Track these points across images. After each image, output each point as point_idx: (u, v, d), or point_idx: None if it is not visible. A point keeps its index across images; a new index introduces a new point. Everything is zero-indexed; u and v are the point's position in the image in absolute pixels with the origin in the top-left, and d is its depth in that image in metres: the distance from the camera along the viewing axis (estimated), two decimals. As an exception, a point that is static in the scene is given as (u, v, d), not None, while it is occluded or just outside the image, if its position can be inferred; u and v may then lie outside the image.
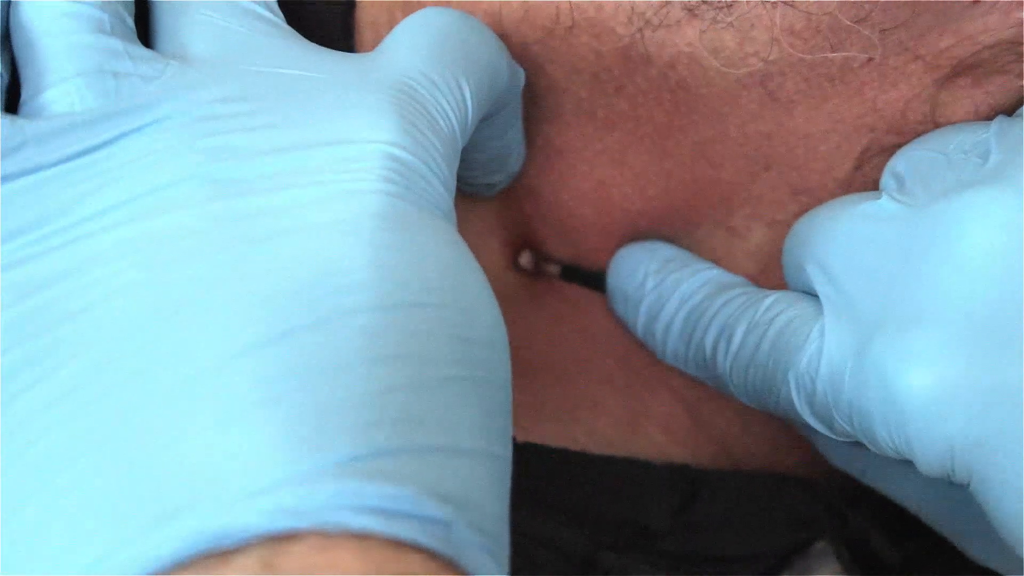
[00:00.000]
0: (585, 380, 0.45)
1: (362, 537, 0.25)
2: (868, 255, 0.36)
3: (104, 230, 0.29)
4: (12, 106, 0.32)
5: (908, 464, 0.37)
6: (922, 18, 0.36)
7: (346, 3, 0.42)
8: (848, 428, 0.36)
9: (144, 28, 0.34)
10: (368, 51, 0.36)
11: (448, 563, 0.26)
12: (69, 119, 0.30)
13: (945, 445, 0.33)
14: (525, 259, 0.45)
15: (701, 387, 0.44)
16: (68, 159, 0.30)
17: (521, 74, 0.39)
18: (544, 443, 0.43)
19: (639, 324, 0.42)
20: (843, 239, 0.37)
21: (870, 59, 0.37)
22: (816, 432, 0.39)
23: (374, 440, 0.26)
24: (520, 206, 0.44)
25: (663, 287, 0.42)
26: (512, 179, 0.42)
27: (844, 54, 0.37)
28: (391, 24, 0.40)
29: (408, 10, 0.40)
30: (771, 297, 0.39)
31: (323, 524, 0.25)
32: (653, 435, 0.45)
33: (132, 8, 0.33)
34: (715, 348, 0.39)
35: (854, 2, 0.36)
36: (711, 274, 0.41)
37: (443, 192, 0.32)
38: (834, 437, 0.37)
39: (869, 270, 0.36)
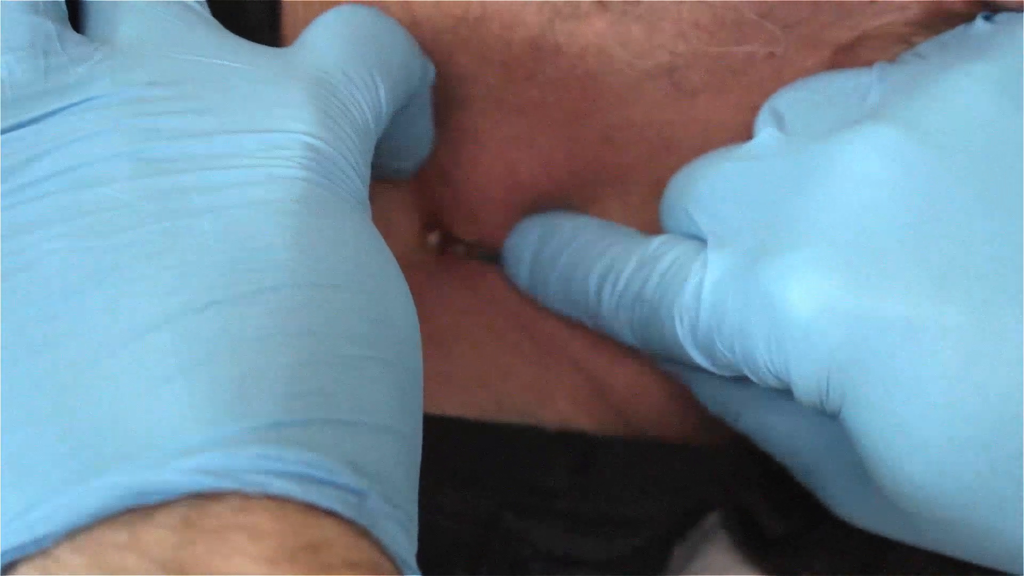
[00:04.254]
0: (496, 349, 0.46)
1: (280, 500, 0.26)
2: (749, 188, 0.37)
3: (34, 199, 0.30)
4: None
5: (783, 402, 0.39)
6: (823, 15, 0.38)
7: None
8: (730, 356, 0.37)
9: (75, 13, 0.35)
10: (292, 39, 0.37)
11: (361, 531, 0.27)
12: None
13: (822, 364, 0.34)
14: (433, 239, 0.46)
15: (598, 355, 0.45)
16: None
17: (431, 68, 0.40)
18: (453, 412, 0.45)
19: (524, 275, 0.44)
20: (723, 178, 0.38)
21: (771, 53, 0.38)
22: (696, 372, 0.41)
23: (293, 410, 0.27)
24: (432, 187, 0.45)
25: (544, 236, 0.43)
26: (420, 164, 0.43)
27: (747, 48, 0.38)
28: (308, 12, 0.40)
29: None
30: (659, 238, 0.40)
31: (243, 486, 0.26)
32: (560, 404, 0.46)
33: None
34: (600, 286, 0.41)
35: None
36: (592, 220, 0.43)
37: (358, 182, 0.34)
38: (715, 371, 0.38)
39: (750, 202, 0.37)
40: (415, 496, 0.30)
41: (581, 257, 0.42)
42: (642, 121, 0.40)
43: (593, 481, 0.45)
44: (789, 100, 0.39)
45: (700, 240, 0.39)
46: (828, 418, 0.37)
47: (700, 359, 0.38)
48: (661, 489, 0.46)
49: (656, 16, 0.38)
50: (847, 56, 0.39)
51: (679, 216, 0.40)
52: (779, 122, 0.38)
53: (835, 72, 0.39)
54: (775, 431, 0.41)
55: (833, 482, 0.40)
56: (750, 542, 0.46)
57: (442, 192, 0.44)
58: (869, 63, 0.39)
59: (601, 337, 0.44)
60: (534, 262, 0.43)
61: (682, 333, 0.38)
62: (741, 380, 0.39)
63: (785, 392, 0.37)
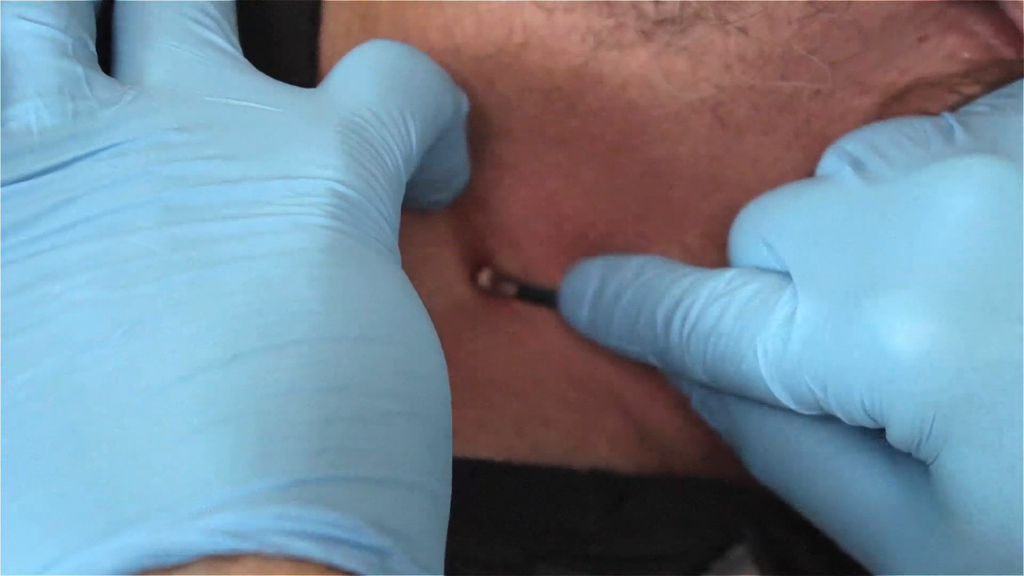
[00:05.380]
0: (537, 398, 0.45)
1: (300, 562, 0.26)
2: (838, 223, 0.37)
3: (62, 247, 0.29)
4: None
5: (851, 465, 0.38)
6: (871, 53, 0.37)
7: (310, 10, 0.42)
8: (818, 393, 0.36)
9: (106, 54, 0.34)
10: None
11: None
12: (28, 139, 0.31)
13: (928, 404, 0.33)
14: (484, 278, 0.45)
15: (652, 402, 0.45)
16: (26, 177, 0.30)
17: (465, 102, 0.39)
18: (484, 457, 0.44)
19: (584, 314, 0.43)
20: (809, 212, 0.37)
21: (818, 90, 0.38)
22: (752, 436, 0.40)
23: (317, 467, 0.27)
24: (471, 218, 0.44)
25: (607, 273, 0.42)
26: (457, 195, 0.42)
27: (794, 83, 0.38)
28: (348, 41, 0.40)
29: (366, 27, 0.40)
30: (730, 271, 0.39)
31: (263, 547, 0.26)
32: (599, 449, 0.45)
33: (95, 34, 0.33)
34: (668, 321, 0.40)
35: (806, 32, 0.36)
36: (656, 257, 0.42)
37: (387, 229, 0.33)
38: (795, 408, 0.37)
39: (841, 237, 0.36)
40: (442, 553, 0.30)
41: (648, 291, 0.41)
42: (688, 156, 0.40)
43: (625, 521, 0.44)
44: (865, 141, 0.38)
45: (778, 273, 0.38)
46: (903, 479, 0.36)
47: (781, 394, 0.37)
48: (693, 525, 0.45)
49: (701, 49, 0.37)
50: (898, 104, 0.38)
51: (755, 248, 0.39)
52: (854, 163, 0.37)
53: (908, 117, 0.38)
54: (834, 495, 0.39)
55: (895, 551, 0.38)
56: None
57: (481, 222, 0.44)
58: (921, 112, 0.38)
59: (658, 386, 0.43)
60: (595, 301, 0.42)
61: (765, 367, 0.37)
62: (806, 441, 0.38)
63: (863, 446, 0.37)
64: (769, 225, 0.38)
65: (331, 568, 0.26)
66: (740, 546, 0.46)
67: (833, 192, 0.37)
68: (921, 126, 0.38)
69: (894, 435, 0.35)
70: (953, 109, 0.39)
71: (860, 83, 0.38)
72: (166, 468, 0.26)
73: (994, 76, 0.38)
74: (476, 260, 0.45)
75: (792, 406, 0.37)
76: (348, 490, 0.27)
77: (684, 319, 0.39)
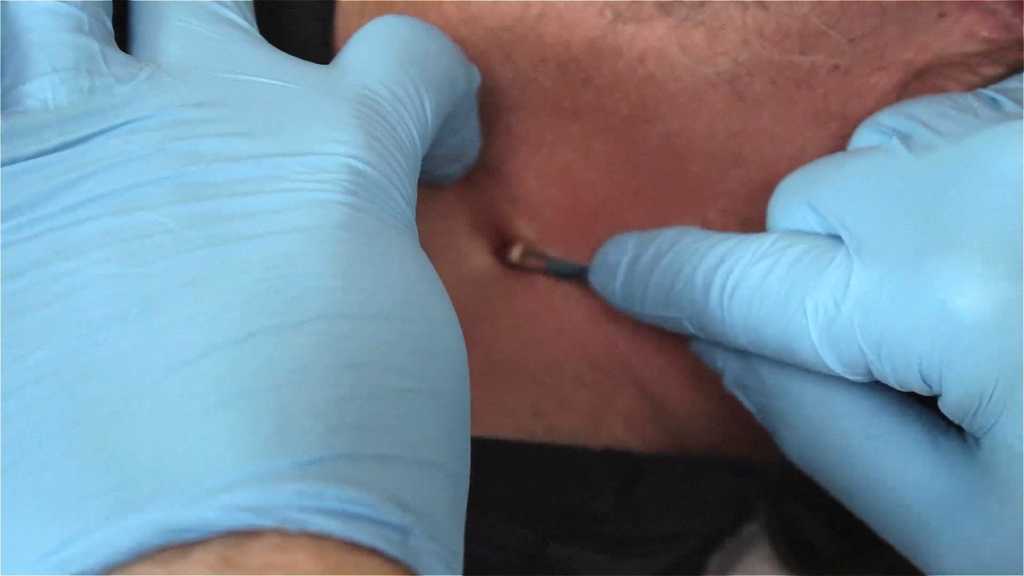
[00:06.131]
0: (554, 381, 0.45)
1: (320, 538, 0.26)
2: (890, 187, 0.36)
3: (77, 223, 0.29)
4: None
5: (884, 450, 0.38)
6: (889, 28, 0.37)
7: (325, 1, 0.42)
8: (870, 356, 0.35)
9: (122, 31, 0.34)
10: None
11: (403, 569, 0.27)
12: (44, 115, 0.31)
13: (992, 366, 0.33)
14: (516, 254, 0.44)
15: (668, 379, 0.45)
16: (42, 153, 0.30)
17: (477, 75, 0.39)
18: (495, 436, 0.44)
19: (619, 283, 0.42)
20: (859, 176, 0.37)
21: (837, 66, 0.37)
22: (792, 416, 0.39)
23: (335, 444, 0.27)
24: (484, 190, 0.44)
25: (643, 242, 0.41)
26: (468, 168, 0.42)
27: (812, 58, 0.37)
28: (362, 18, 0.40)
29: (380, 3, 0.40)
30: (775, 234, 0.38)
31: (283, 523, 0.26)
32: (614, 429, 0.45)
33: (111, 11, 0.33)
34: (709, 281, 0.39)
35: (824, 6, 0.36)
36: (693, 227, 0.41)
37: (404, 205, 0.33)
38: (840, 372, 0.37)
39: (895, 200, 0.36)
40: (461, 531, 0.29)
41: (687, 255, 0.40)
42: (704, 130, 0.39)
43: (639, 502, 0.44)
44: (904, 114, 0.37)
45: (825, 236, 0.37)
46: (946, 458, 0.36)
47: (828, 357, 0.36)
48: (707, 503, 0.45)
49: (719, 22, 0.37)
50: (917, 82, 0.38)
51: (799, 213, 0.38)
52: (898, 134, 0.37)
53: (938, 95, 0.38)
54: (874, 474, 0.38)
55: (937, 531, 0.37)
56: (797, 555, 0.46)
57: (495, 193, 0.44)
58: (941, 91, 0.38)
59: (675, 363, 0.43)
60: (630, 269, 0.41)
61: (815, 328, 0.36)
62: (846, 418, 0.38)
63: (905, 423, 0.36)
64: (817, 191, 0.38)
65: (351, 544, 0.26)
66: (754, 523, 0.46)
67: (884, 159, 0.36)
68: (962, 97, 0.37)
69: (950, 401, 0.34)
70: (973, 90, 0.38)
71: (879, 59, 0.37)
72: (183, 445, 0.26)
73: (1014, 57, 0.38)
74: (490, 233, 0.45)
75: (838, 370, 0.37)
76: (366, 467, 0.27)
77: (726, 278, 0.38)
